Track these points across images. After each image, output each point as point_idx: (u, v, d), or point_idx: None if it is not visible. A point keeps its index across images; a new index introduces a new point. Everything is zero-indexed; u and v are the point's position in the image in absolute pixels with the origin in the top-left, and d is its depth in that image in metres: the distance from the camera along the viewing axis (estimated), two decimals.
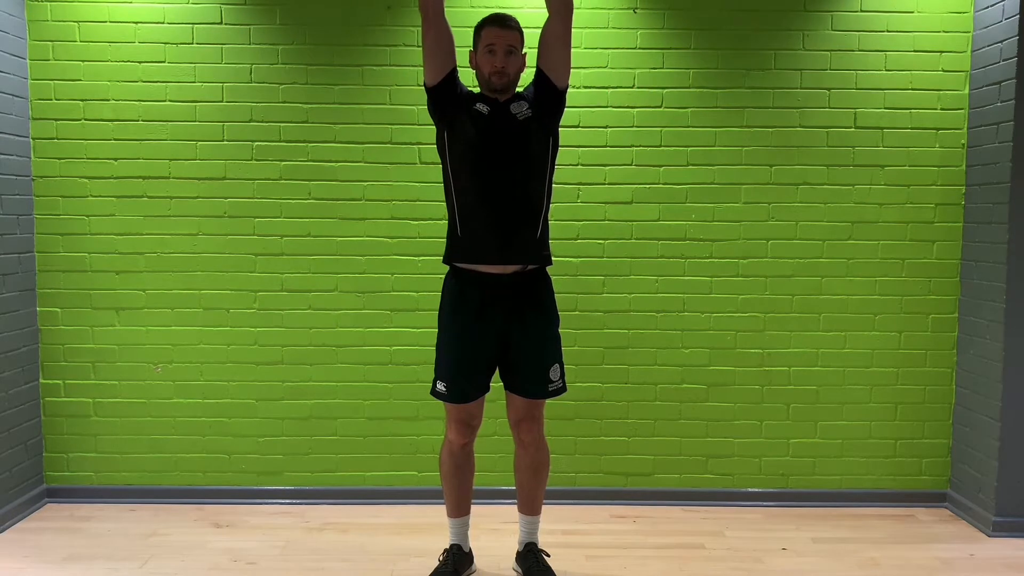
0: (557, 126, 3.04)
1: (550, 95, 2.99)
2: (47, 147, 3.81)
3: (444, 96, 2.96)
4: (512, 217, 2.95)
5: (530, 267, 3.01)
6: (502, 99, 2.97)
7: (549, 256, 3.06)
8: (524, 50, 3.02)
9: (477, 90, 3.04)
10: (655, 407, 3.94)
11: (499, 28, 2.93)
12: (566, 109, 3.35)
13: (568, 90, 3.03)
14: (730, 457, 3.96)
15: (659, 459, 3.96)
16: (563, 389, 3.11)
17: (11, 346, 3.68)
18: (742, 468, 3.97)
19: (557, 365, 3.07)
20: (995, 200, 3.63)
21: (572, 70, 3.73)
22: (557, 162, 3.08)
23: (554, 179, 3.04)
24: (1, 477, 3.61)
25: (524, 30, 3.03)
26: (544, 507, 3.25)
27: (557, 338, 3.09)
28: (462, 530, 3.22)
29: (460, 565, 3.18)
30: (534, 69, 3.01)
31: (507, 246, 2.95)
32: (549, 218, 3.06)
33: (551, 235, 3.77)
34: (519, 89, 3.05)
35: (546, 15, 2.97)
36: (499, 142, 2.94)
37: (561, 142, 3.14)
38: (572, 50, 3.01)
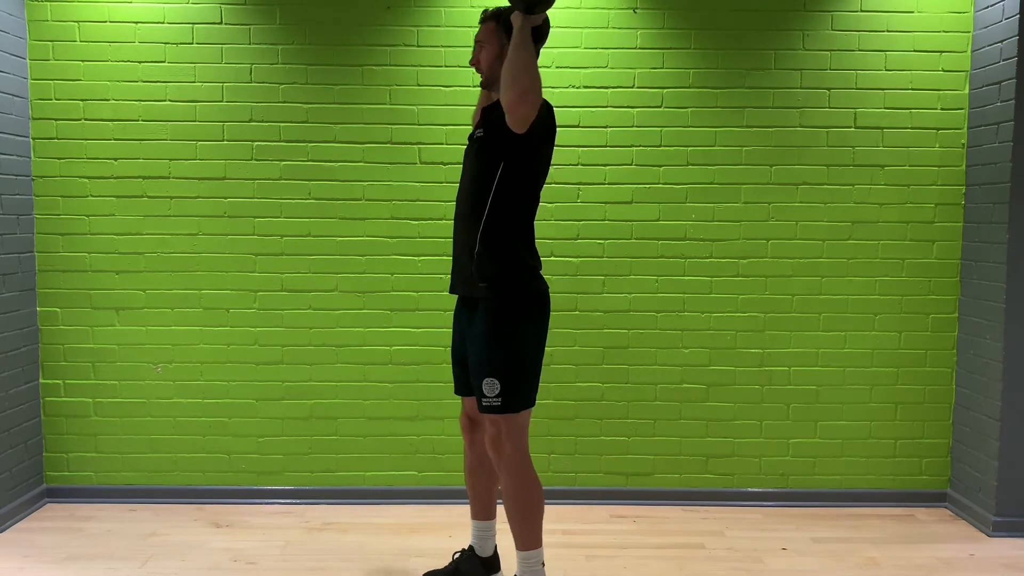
0: (510, 153, 2.74)
1: (502, 123, 2.74)
2: (47, 147, 3.81)
3: None
4: (456, 240, 2.93)
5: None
6: (486, 105, 2.96)
7: (493, 285, 2.77)
8: (503, 41, 2.78)
9: None
10: (655, 407, 3.94)
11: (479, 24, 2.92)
12: (566, 109, 3.35)
13: (527, 134, 2.70)
14: (730, 457, 3.96)
15: (659, 459, 3.96)
16: (501, 408, 2.75)
17: (11, 346, 3.68)
18: (742, 468, 3.97)
19: (495, 381, 2.75)
20: (995, 200, 3.63)
21: (572, 70, 3.78)
22: (548, 174, 2.87)
23: (512, 203, 2.76)
24: (1, 477, 3.61)
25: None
26: (544, 507, 3.01)
27: (499, 354, 2.76)
28: (477, 533, 3.12)
29: (466, 568, 3.09)
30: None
31: (454, 269, 2.94)
32: (501, 245, 2.77)
33: (553, 236, 3.81)
34: None
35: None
36: (464, 161, 2.96)
37: (561, 142, 3.10)
38: (528, 109, 2.65)
